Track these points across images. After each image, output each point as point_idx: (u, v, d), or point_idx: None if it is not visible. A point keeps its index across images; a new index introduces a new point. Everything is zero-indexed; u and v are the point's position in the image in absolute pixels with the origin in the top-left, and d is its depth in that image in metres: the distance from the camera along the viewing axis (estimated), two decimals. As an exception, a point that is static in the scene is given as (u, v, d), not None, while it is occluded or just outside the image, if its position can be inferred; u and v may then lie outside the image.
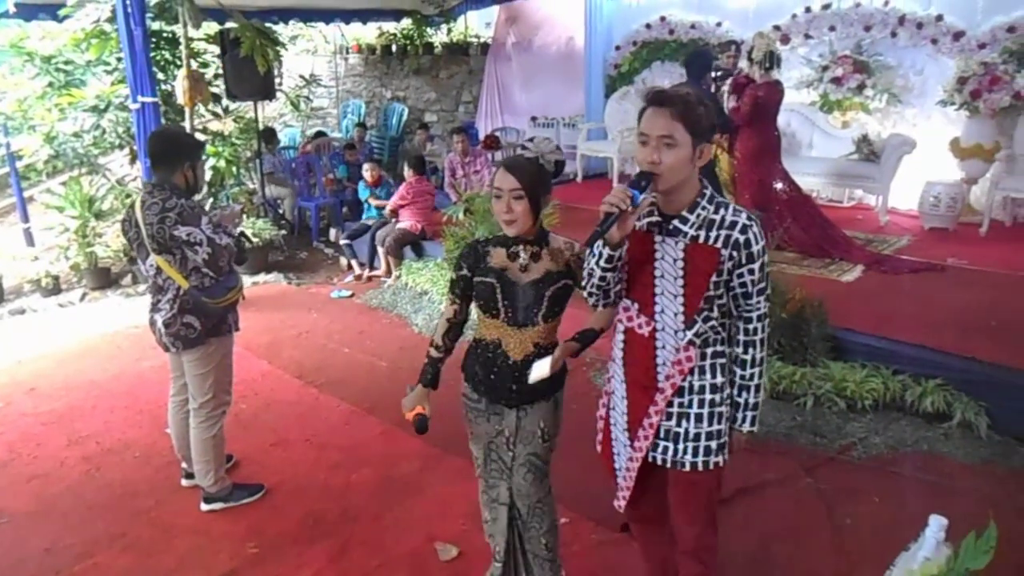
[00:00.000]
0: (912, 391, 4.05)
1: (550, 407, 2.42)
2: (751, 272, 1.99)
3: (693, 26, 9.33)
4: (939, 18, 7.40)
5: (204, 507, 3.42)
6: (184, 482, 3.63)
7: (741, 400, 2.12)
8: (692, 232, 1.98)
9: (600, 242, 1.95)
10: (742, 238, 1.95)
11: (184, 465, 3.60)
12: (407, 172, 7.24)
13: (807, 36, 8.35)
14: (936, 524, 1.68)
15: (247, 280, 7.00)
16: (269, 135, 9.48)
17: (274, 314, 6.25)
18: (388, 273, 7.10)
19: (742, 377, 2.10)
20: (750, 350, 2.07)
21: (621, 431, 2.26)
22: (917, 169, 7.24)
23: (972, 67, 6.94)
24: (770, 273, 2.10)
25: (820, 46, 8.28)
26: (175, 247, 3.10)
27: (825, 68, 8.13)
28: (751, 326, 2.05)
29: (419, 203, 7.19)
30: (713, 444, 2.12)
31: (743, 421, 2.13)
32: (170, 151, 3.21)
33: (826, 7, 8.14)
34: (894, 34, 7.71)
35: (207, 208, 7.07)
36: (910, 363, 4.19)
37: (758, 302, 2.03)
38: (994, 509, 3.11)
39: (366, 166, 7.91)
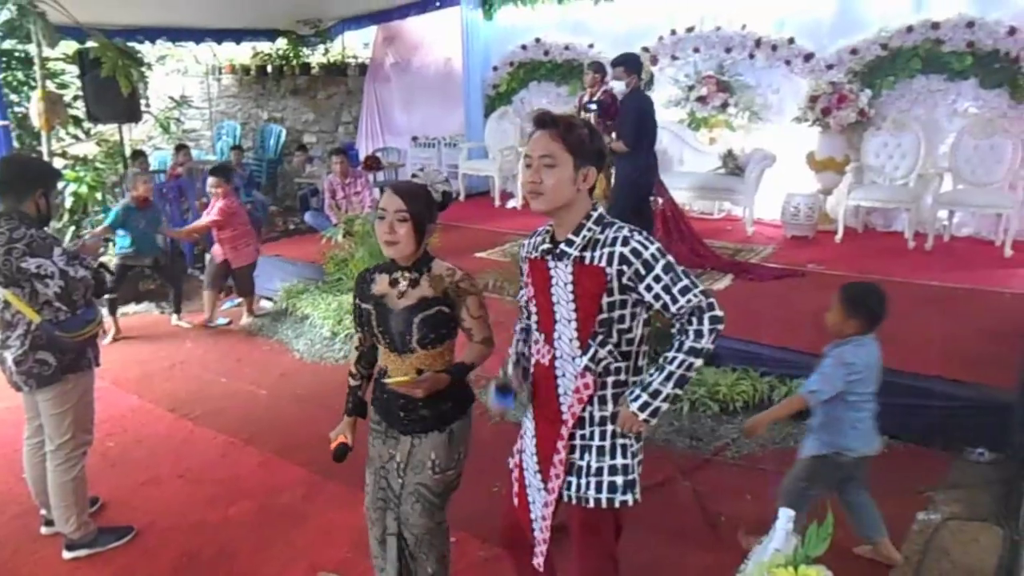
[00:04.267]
0: (778, 391, 4.26)
1: (443, 439, 2.36)
2: (657, 279, 1.91)
3: (567, 47, 9.56)
4: (791, 41, 7.91)
5: (67, 555, 3.20)
6: (44, 530, 3.38)
7: (648, 378, 1.95)
8: (576, 253, 1.97)
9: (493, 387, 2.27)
10: (626, 250, 1.92)
11: (43, 512, 3.37)
12: (211, 184, 6.18)
13: (674, 57, 8.74)
14: (784, 516, 1.77)
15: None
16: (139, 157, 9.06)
17: (145, 346, 5.96)
18: (211, 313, 6.39)
19: (663, 358, 1.95)
20: (685, 341, 1.94)
21: (533, 474, 2.19)
22: (778, 182, 7.67)
23: (822, 86, 7.48)
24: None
25: (686, 66, 8.68)
26: (24, 280, 2.92)
27: (691, 88, 8.56)
28: (687, 325, 1.93)
29: (234, 225, 6.28)
30: (619, 480, 2.03)
31: (634, 399, 1.95)
32: (19, 178, 3.05)
33: (690, 30, 8.54)
34: (752, 56, 8.18)
35: (70, 236, 6.73)
36: (776, 365, 4.42)
37: (688, 300, 1.91)
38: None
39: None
